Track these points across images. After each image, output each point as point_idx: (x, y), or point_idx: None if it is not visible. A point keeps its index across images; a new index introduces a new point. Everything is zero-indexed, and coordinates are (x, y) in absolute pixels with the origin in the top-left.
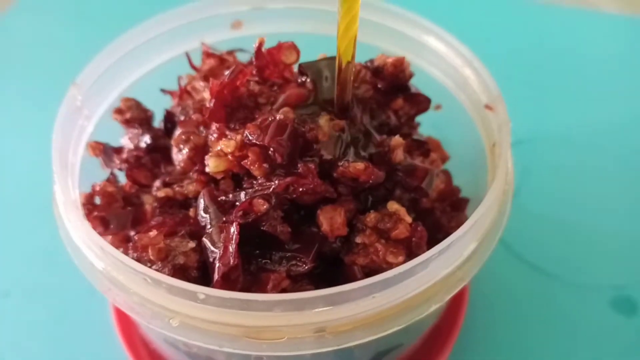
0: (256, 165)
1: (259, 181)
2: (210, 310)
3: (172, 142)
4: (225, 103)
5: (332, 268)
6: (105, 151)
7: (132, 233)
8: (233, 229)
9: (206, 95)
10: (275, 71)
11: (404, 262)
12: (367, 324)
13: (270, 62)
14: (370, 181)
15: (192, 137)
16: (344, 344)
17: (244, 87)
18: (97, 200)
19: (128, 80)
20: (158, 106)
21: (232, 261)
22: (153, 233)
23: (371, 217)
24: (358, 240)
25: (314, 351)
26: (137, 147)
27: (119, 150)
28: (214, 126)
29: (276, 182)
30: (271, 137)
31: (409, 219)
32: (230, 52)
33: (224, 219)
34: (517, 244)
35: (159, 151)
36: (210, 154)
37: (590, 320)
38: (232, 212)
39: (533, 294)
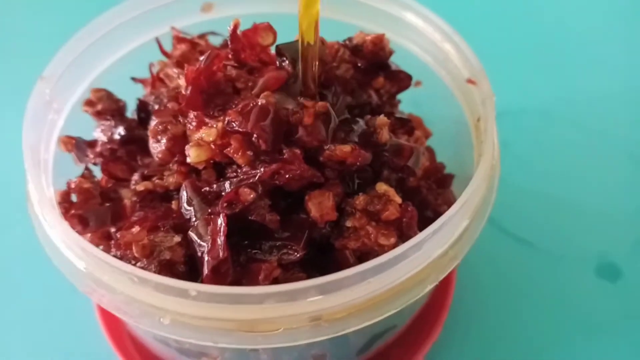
0: (239, 153)
1: (244, 169)
2: (203, 306)
3: (149, 132)
4: (202, 89)
5: (322, 254)
6: (77, 146)
7: (112, 230)
8: (220, 221)
9: (181, 82)
10: (252, 54)
11: (396, 243)
12: (362, 310)
13: (246, 44)
14: (358, 163)
15: (169, 127)
16: (340, 331)
17: (221, 72)
18: (74, 197)
19: (97, 70)
20: (129, 96)
21: (221, 254)
22: (136, 229)
23: (360, 199)
24: (348, 224)
25: (310, 340)
26: (111, 140)
27: (92, 143)
28: (191, 114)
29: (262, 169)
30: (254, 123)
31: (398, 200)
32: (202, 36)
33: (209, 210)
34: (500, 217)
35: (134, 143)
36: (190, 143)
37: (577, 288)
38: (218, 203)
39: (518, 265)
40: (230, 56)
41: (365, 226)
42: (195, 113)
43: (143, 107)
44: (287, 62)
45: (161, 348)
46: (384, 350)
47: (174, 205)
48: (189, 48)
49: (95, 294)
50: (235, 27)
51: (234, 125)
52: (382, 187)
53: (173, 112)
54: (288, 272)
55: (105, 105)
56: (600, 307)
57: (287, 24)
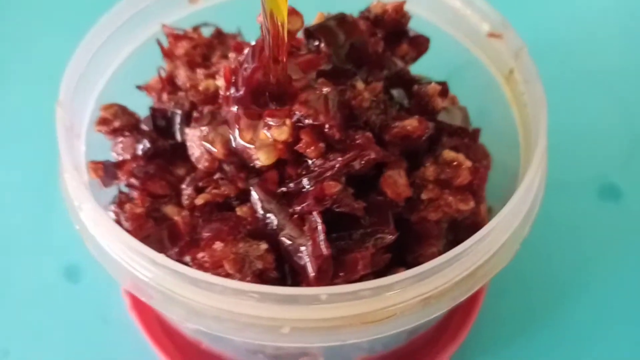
0: (312, 148)
1: (316, 163)
2: (332, 307)
3: (200, 140)
4: (254, 88)
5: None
6: (106, 169)
7: (174, 251)
8: (315, 219)
9: (218, 82)
10: (283, 41)
11: (476, 206)
12: (455, 289)
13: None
14: (424, 135)
15: (220, 132)
16: (445, 308)
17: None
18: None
19: (99, 86)
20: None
21: (325, 251)
22: (219, 245)
23: (430, 170)
24: (424, 196)
25: (420, 322)
26: (134, 157)
27: (120, 164)
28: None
29: (338, 159)
30: (325, 113)
31: (469, 163)
32: (196, 29)
33: (291, 210)
34: None
35: (160, 156)
36: (255, 146)
37: (582, 213)
38: (299, 202)
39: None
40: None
41: (442, 195)
42: (243, 112)
43: (161, 115)
44: (320, 44)
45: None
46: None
47: (239, 212)
48: (191, 45)
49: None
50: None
51: (304, 118)
52: (449, 154)
53: (214, 116)
54: (377, 257)
55: (123, 122)
56: (605, 229)
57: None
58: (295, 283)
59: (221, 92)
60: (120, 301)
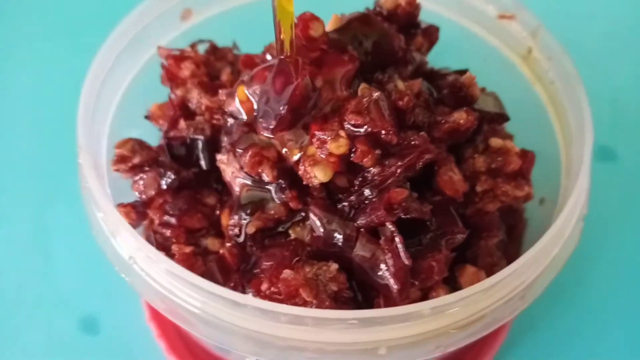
0: (369, 156)
1: (374, 171)
2: (433, 320)
3: (240, 165)
4: (295, 105)
5: None
6: (136, 210)
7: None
8: (391, 229)
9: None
10: (310, 50)
11: (530, 191)
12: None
13: (304, 41)
14: (473, 127)
15: (265, 154)
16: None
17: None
18: None
19: (108, 123)
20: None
21: (407, 262)
22: (289, 273)
23: (480, 161)
24: (478, 188)
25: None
26: (160, 192)
27: (148, 203)
28: (280, 134)
29: (398, 163)
30: (380, 119)
31: (517, 148)
32: (193, 46)
33: (356, 225)
34: None
35: (185, 187)
36: (308, 163)
37: None
38: (366, 214)
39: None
40: None
41: (498, 185)
42: (286, 131)
43: (179, 143)
44: (349, 46)
45: None
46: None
47: (293, 234)
48: (195, 66)
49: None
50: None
51: (358, 127)
52: (497, 141)
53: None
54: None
55: (142, 157)
56: (602, 189)
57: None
58: (368, 299)
59: (242, 115)
60: (146, 349)
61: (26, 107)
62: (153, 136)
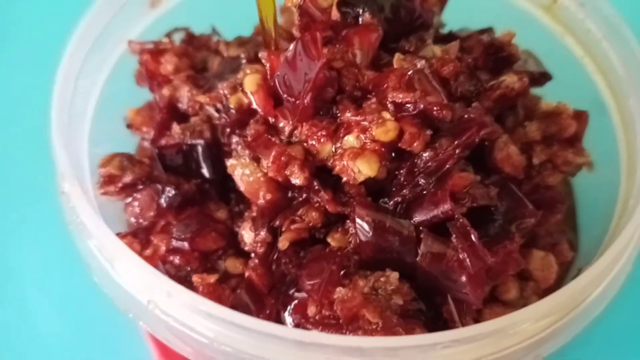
0: (419, 139)
1: (425, 156)
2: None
3: (270, 172)
4: (318, 93)
5: None
6: (138, 239)
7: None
8: (464, 224)
9: (236, 98)
10: (322, 23)
11: (589, 155)
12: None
13: (313, 15)
14: (526, 91)
15: (293, 154)
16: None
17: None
18: None
19: (85, 138)
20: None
21: (488, 260)
22: (345, 292)
23: (532, 129)
24: (535, 161)
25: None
26: (160, 212)
27: (149, 228)
28: (305, 127)
29: (455, 142)
30: (433, 92)
31: (571, 110)
32: (168, 36)
33: (415, 221)
34: None
35: (188, 203)
36: (348, 155)
37: None
38: (427, 208)
39: None
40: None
41: (556, 153)
42: (310, 122)
43: (175, 152)
44: (365, 14)
45: None
46: None
47: (333, 242)
48: (177, 58)
49: None
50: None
51: (408, 106)
52: (548, 105)
53: (266, 136)
54: None
55: (134, 174)
56: None
57: None
58: (431, 305)
59: (257, 107)
60: None
61: None
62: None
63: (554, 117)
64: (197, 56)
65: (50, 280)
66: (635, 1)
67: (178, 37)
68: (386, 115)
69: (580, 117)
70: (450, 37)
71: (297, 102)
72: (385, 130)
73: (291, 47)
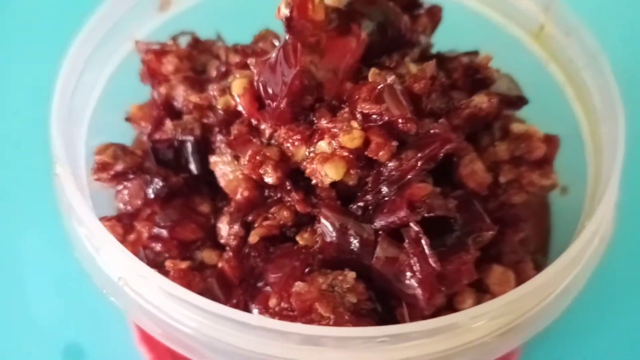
0: (385, 149)
1: (391, 165)
2: (468, 330)
3: (246, 169)
4: (294, 98)
5: None
6: (122, 223)
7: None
8: (415, 230)
9: (224, 99)
10: (311, 34)
11: (556, 178)
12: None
13: (304, 26)
14: (495, 112)
15: (268, 154)
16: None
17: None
18: None
19: (84, 128)
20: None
21: (436, 267)
22: (302, 287)
23: (502, 149)
24: (502, 179)
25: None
26: (147, 202)
27: (135, 215)
28: (282, 130)
29: (418, 155)
30: (398, 106)
31: (541, 134)
32: (174, 39)
33: (375, 227)
34: None
35: (175, 195)
36: (318, 160)
37: None
38: (386, 214)
39: None
40: None
41: (522, 174)
42: (288, 126)
43: (166, 147)
44: (351, 29)
45: None
46: None
47: (301, 241)
48: (179, 60)
49: None
50: (292, 9)
51: (375, 117)
52: (519, 127)
53: (247, 136)
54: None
55: (126, 163)
56: None
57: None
58: (387, 308)
59: (242, 109)
60: None
61: None
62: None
63: (524, 139)
64: (200, 60)
65: (48, 261)
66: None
67: (185, 41)
68: (354, 124)
69: (551, 141)
70: (438, 57)
71: (275, 106)
72: (351, 138)
73: (273, 54)
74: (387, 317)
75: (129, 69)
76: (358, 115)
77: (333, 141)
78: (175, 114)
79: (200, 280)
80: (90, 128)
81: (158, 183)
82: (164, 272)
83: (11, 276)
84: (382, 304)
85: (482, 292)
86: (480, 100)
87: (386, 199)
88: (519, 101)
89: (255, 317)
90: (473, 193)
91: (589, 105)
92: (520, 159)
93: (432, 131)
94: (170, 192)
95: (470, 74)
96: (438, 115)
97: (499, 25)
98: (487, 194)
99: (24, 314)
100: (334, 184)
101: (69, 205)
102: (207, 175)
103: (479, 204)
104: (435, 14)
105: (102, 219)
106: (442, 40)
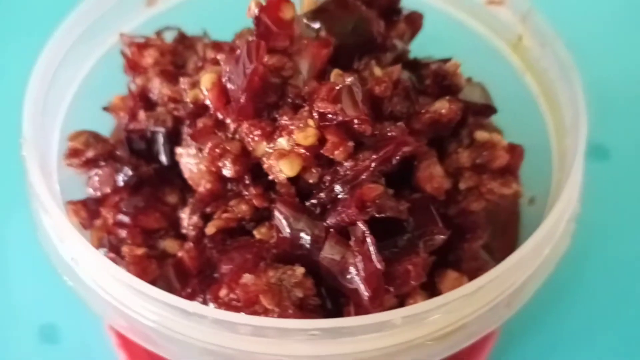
0: (340, 149)
1: (347, 165)
2: (407, 330)
3: (200, 160)
4: (256, 92)
5: None
6: (87, 209)
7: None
8: (362, 229)
9: (193, 93)
10: (280, 34)
11: (518, 188)
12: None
13: (272, 25)
14: (456, 118)
15: (228, 147)
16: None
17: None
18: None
19: (62, 114)
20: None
21: (379, 266)
22: (249, 278)
23: (464, 156)
24: (462, 186)
25: (490, 329)
26: (116, 189)
27: (102, 200)
28: (245, 124)
29: (373, 157)
30: (354, 107)
31: (504, 142)
32: (158, 34)
33: (326, 224)
34: None
35: (144, 184)
36: (274, 156)
37: None
38: (336, 213)
39: None
40: None
41: (482, 182)
42: (250, 122)
43: (139, 137)
44: (322, 31)
45: None
46: None
47: (258, 235)
48: (159, 53)
49: None
50: (262, 8)
51: (330, 116)
52: (482, 134)
53: (212, 129)
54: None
55: (97, 150)
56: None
57: None
58: (337, 306)
59: (209, 103)
60: (108, 358)
61: None
62: None
63: (487, 147)
64: (184, 55)
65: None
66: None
67: (171, 36)
68: (310, 122)
69: (515, 150)
70: (413, 63)
71: (236, 100)
72: (305, 136)
73: (238, 50)
74: (337, 315)
75: (116, 61)
76: (315, 114)
77: (288, 138)
78: (151, 106)
79: (156, 267)
80: (70, 117)
81: (128, 172)
82: (122, 257)
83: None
84: (333, 302)
85: (435, 295)
86: (441, 106)
87: (339, 197)
88: (487, 110)
89: (191, 304)
90: (430, 197)
91: (559, 118)
92: (482, 167)
93: (389, 134)
94: (140, 181)
95: (438, 80)
96: (399, 118)
97: (483, 36)
98: (447, 200)
99: (5, 294)
100: (295, 182)
101: (30, 185)
102: (178, 167)
103: (435, 209)
104: (415, 20)
105: (69, 202)
106: (427, 49)
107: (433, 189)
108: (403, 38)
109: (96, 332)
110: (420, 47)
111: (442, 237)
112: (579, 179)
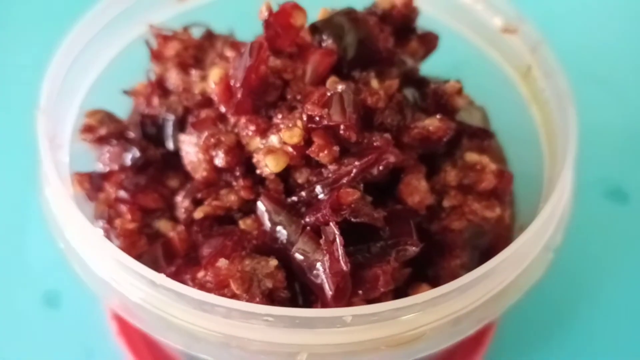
0: (325, 152)
1: (331, 168)
2: (357, 330)
3: (199, 148)
4: (253, 89)
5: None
6: (92, 181)
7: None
8: (332, 230)
9: (202, 85)
10: (288, 39)
11: (502, 213)
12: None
13: (280, 30)
14: (446, 137)
15: (222, 138)
16: (475, 327)
17: (265, 65)
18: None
19: (83, 92)
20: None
21: (344, 267)
22: (223, 263)
23: (451, 175)
24: (446, 204)
25: (451, 342)
26: (123, 168)
27: (107, 176)
28: (243, 119)
29: (355, 163)
30: (341, 114)
31: (493, 166)
32: (185, 29)
33: (304, 222)
34: None
35: (151, 165)
36: (263, 151)
37: (590, 213)
38: (312, 212)
39: None
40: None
41: (466, 202)
42: (247, 117)
43: (151, 122)
44: (329, 40)
45: None
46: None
47: (242, 225)
48: (182, 46)
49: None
50: (271, 11)
51: (317, 119)
52: (472, 156)
53: (213, 120)
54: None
55: (110, 129)
56: (612, 229)
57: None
58: (307, 303)
59: (215, 97)
60: (105, 328)
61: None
62: None
63: (475, 169)
64: (208, 51)
65: None
66: None
67: (199, 32)
68: (298, 123)
69: (502, 175)
70: (420, 80)
71: (235, 95)
72: (290, 135)
73: (243, 49)
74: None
75: (144, 50)
76: (304, 116)
77: (278, 136)
78: (167, 95)
79: (145, 243)
80: (92, 97)
81: (136, 152)
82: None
83: (15, 223)
84: (305, 299)
85: None
86: (430, 123)
87: (319, 197)
88: (483, 134)
89: (158, 276)
90: (411, 210)
91: (554, 148)
92: (469, 188)
93: (375, 143)
94: (146, 163)
95: (437, 99)
96: (389, 130)
97: (497, 63)
98: (430, 216)
99: (20, 258)
100: (285, 179)
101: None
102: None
103: (416, 222)
104: (430, 41)
105: (75, 174)
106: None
107: (414, 202)
108: (415, 56)
109: (95, 303)
110: (436, 67)
111: (415, 249)
112: (560, 209)
